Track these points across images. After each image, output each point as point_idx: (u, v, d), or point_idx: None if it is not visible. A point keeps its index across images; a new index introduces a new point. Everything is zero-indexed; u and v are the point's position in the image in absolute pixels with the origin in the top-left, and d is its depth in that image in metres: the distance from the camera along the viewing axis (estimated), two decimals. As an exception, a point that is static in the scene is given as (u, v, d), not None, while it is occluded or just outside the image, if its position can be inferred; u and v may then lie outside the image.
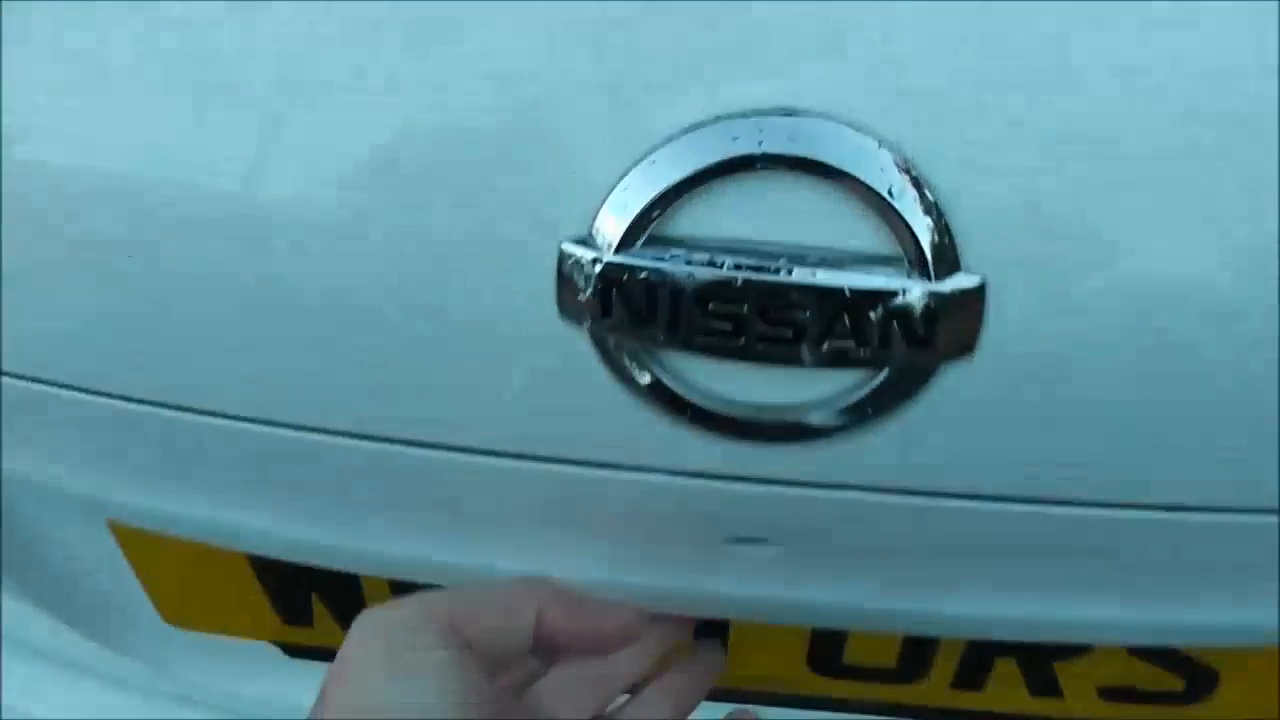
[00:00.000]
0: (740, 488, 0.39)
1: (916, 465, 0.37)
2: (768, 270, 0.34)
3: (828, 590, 0.43)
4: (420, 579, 0.47)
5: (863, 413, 0.36)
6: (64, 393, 0.42)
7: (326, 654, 0.56)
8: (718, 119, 0.33)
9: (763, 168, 0.33)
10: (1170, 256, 0.34)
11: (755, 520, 0.40)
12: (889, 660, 0.53)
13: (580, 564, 0.42)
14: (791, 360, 0.35)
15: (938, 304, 0.34)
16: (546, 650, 0.39)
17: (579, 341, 0.36)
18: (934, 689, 0.54)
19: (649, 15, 0.34)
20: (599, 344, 0.36)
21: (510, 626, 0.37)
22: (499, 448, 0.39)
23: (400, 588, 0.51)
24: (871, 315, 0.34)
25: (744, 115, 0.33)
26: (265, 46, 0.35)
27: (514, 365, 0.37)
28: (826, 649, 0.52)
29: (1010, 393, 0.36)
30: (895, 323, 0.34)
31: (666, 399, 0.36)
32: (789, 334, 0.34)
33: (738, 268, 0.34)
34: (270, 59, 0.35)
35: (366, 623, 0.35)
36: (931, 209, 0.33)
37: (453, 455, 0.40)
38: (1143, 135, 0.33)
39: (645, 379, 0.36)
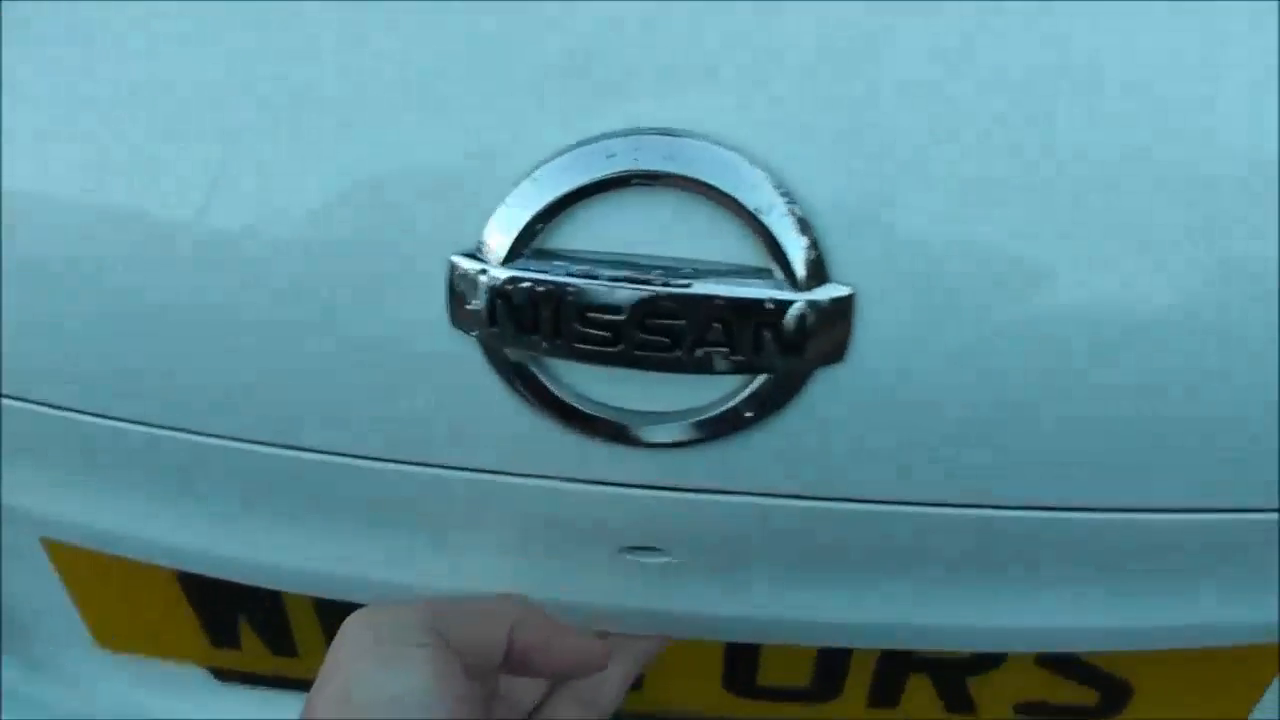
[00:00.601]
0: (627, 493, 0.40)
1: (796, 468, 0.39)
2: (644, 282, 0.35)
3: (723, 602, 0.44)
4: (335, 594, 0.48)
5: (741, 417, 0.38)
6: None
7: (255, 679, 0.57)
8: (598, 138, 0.35)
9: (639, 184, 0.35)
10: (1030, 264, 0.36)
11: (644, 527, 0.42)
12: (803, 680, 0.54)
13: (482, 573, 0.43)
14: (669, 367, 0.36)
15: (808, 312, 0.36)
16: (516, 666, 0.40)
17: (471, 348, 0.38)
18: (849, 706, 0.55)
19: (532, 38, 0.36)
20: (489, 352, 0.37)
21: (486, 636, 0.39)
22: (394, 455, 0.41)
23: (321, 608, 0.52)
24: (744, 324, 0.36)
25: (623, 134, 0.35)
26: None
27: (411, 373, 0.39)
28: (741, 670, 0.53)
29: (882, 396, 0.37)
30: (767, 330, 0.36)
31: (549, 402, 0.38)
32: (666, 341, 0.36)
33: (615, 280, 0.36)
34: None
35: (355, 620, 0.37)
36: (800, 223, 0.35)
37: (352, 461, 0.41)
38: (1011, 146, 0.35)
39: (529, 384, 0.38)
